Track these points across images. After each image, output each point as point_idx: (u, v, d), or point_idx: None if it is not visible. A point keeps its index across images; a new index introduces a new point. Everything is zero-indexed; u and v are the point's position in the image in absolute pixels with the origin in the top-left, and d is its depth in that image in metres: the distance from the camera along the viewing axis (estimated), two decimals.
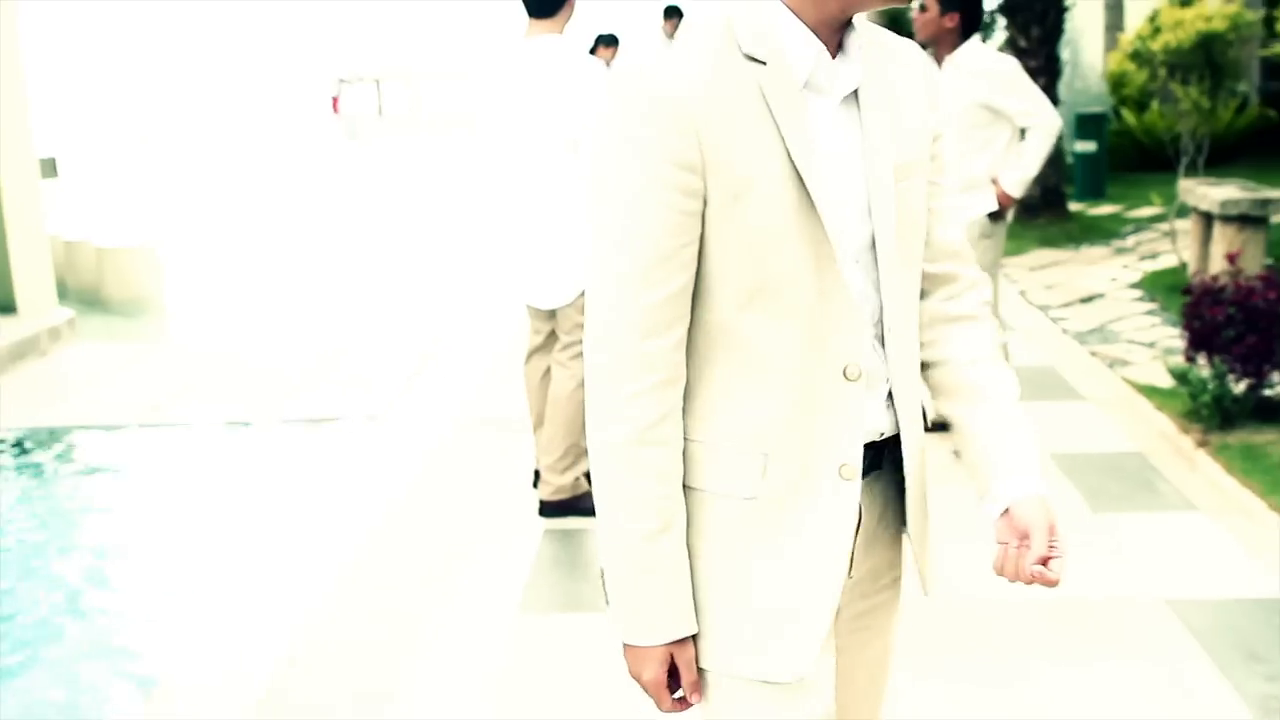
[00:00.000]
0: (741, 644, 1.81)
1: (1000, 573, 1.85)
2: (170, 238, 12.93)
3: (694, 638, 1.83)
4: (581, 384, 4.86)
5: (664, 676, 1.82)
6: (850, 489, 1.80)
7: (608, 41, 11.92)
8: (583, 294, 4.83)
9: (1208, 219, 8.21)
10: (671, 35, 11.76)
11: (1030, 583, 1.81)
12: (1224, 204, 7.81)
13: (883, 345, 1.82)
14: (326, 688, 3.87)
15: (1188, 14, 8.83)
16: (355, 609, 4.43)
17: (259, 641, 4.28)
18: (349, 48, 40.86)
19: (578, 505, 5.00)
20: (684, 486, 1.81)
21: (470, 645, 4.05)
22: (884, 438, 1.86)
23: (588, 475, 5.09)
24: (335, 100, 34.91)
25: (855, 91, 1.78)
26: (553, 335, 5.07)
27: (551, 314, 5.02)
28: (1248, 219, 7.83)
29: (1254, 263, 7.52)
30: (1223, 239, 7.90)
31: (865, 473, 1.82)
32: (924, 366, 1.97)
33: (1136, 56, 9.22)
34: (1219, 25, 8.62)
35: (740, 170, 1.68)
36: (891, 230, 1.78)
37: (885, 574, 1.98)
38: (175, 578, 5.06)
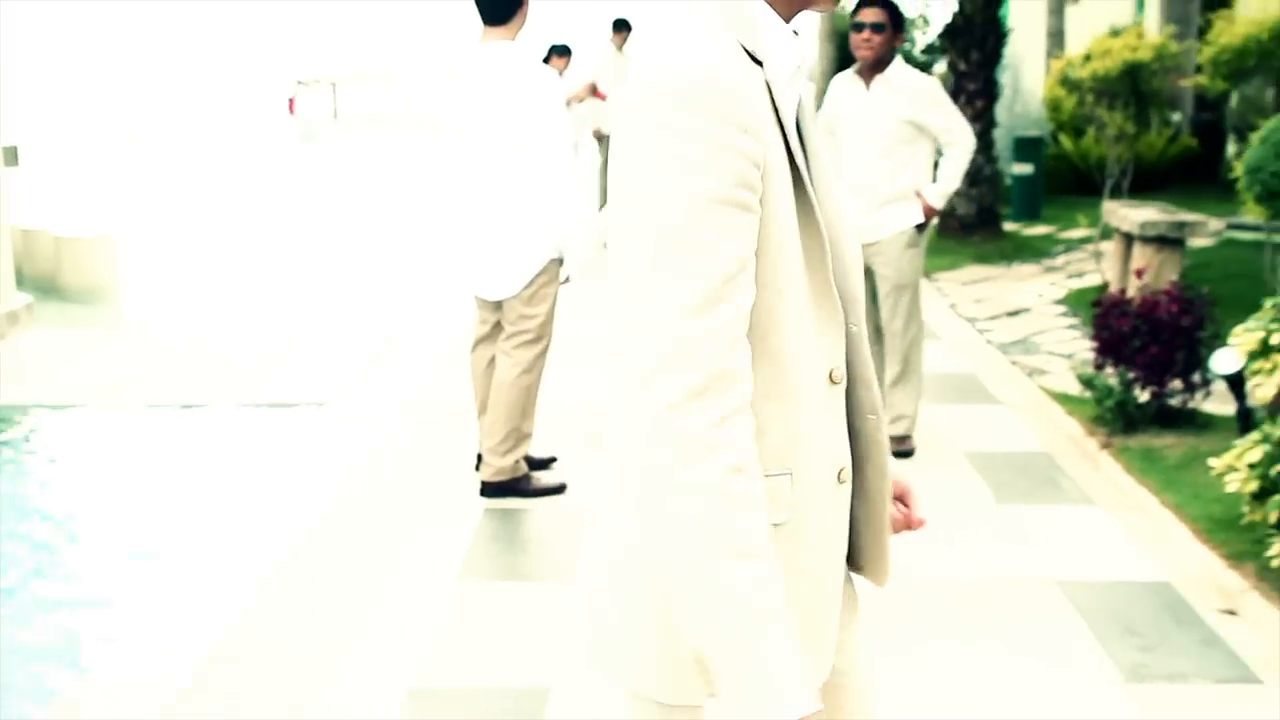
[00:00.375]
0: None
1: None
2: (129, 229, 13.10)
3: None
4: (524, 370, 5.16)
5: None
6: (845, 492, 1.78)
7: (560, 51, 12.22)
8: (528, 286, 5.13)
9: (1129, 239, 8.62)
10: (620, 48, 12.07)
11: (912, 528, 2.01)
12: (1143, 225, 8.19)
13: (852, 339, 1.80)
14: (276, 646, 4.14)
15: (1115, 43, 9.26)
16: (303, 579, 4.70)
17: (206, 612, 4.53)
18: (306, 50, 40.94)
19: (516, 486, 5.29)
20: None
21: (411, 607, 4.33)
22: None
23: (528, 459, 5.40)
24: (291, 102, 35.03)
25: None
26: (498, 326, 5.36)
27: (498, 305, 5.31)
28: (1165, 240, 8.22)
29: (1169, 281, 7.92)
30: (1142, 258, 8.30)
31: None
32: None
33: (1066, 82, 9.64)
34: (1144, 55, 9.05)
35: (771, 168, 1.61)
36: (845, 228, 1.79)
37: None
38: (125, 552, 5.29)
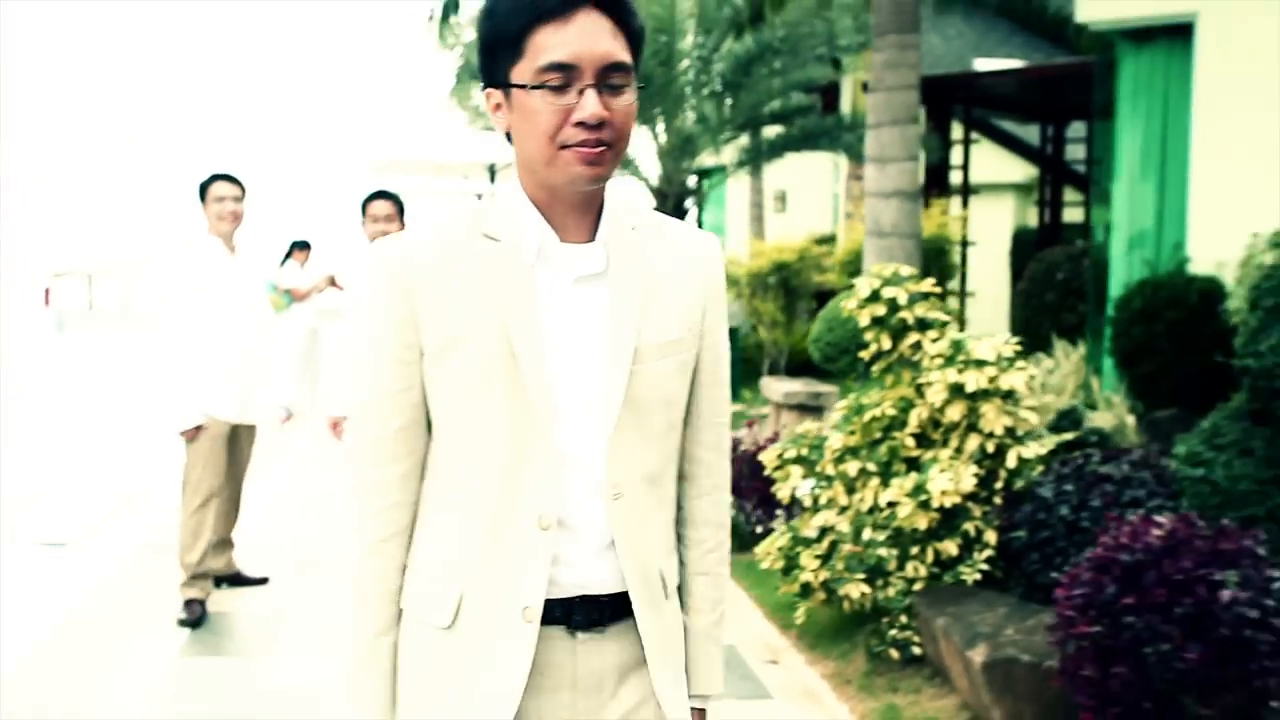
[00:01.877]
0: None
1: None
2: None
3: None
4: (184, 510, 6.26)
5: None
6: (529, 632, 1.89)
7: (301, 246, 13.44)
8: (181, 445, 6.32)
9: (779, 408, 10.33)
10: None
11: None
12: (786, 395, 9.94)
13: (610, 503, 1.92)
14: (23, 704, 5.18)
15: (768, 246, 11.09)
16: (45, 661, 5.73)
17: None
18: (63, 241, 41.17)
19: (189, 609, 6.23)
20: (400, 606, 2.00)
21: (139, 673, 5.43)
22: (613, 593, 1.95)
23: (240, 576, 6.55)
24: (47, 292, 35.12)
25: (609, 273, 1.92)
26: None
27: None
28: (805, 407, 9.96)
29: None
30: (790, 422, 10.00)
31: (589, 626, 1.94)
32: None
33: (726, 279, 11.41)
34: (789, 257, 10.88)
35: (452, 328, 1.86)
36: (617, 401, 1.90)
37: None
38: None
